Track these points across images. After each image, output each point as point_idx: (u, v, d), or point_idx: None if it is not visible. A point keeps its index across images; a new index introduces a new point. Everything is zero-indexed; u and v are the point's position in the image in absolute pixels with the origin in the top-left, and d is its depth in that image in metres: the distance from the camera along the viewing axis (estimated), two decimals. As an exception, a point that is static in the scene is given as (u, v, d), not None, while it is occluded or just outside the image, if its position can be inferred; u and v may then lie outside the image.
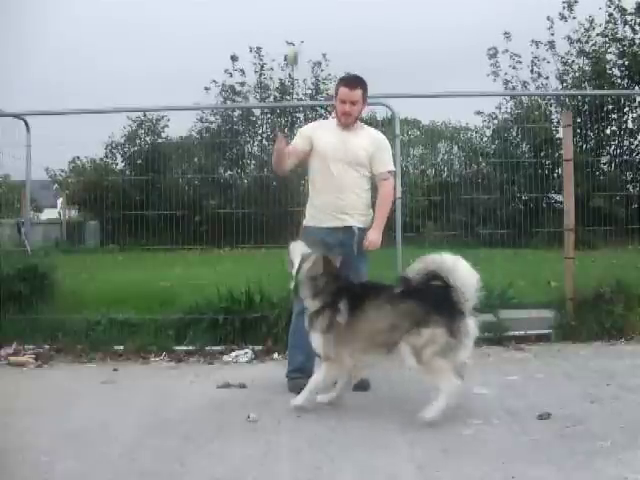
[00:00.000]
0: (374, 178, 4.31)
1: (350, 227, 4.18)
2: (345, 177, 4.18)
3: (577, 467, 2.95)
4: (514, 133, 10.94)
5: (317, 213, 4.25)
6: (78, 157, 13.09)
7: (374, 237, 4.14)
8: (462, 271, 3.60)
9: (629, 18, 14.40)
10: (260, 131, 14.04)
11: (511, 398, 4.02)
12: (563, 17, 14.89)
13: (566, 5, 14.83)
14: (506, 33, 15.31)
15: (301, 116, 14.62)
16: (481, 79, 15.67)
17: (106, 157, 14.08)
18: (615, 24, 14.49)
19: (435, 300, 3.64)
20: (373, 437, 3.41)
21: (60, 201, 12.95)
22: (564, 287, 5.80)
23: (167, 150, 10.23)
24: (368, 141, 4.27)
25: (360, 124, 4.41)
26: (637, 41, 14.33)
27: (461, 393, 3.67)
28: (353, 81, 4.24)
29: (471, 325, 3.63)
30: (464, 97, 7.75)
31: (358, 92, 4.20)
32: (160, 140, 13.62)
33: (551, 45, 14.86)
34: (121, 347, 5.43)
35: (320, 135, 4.27)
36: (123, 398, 4.25)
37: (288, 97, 16.89)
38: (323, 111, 13.71)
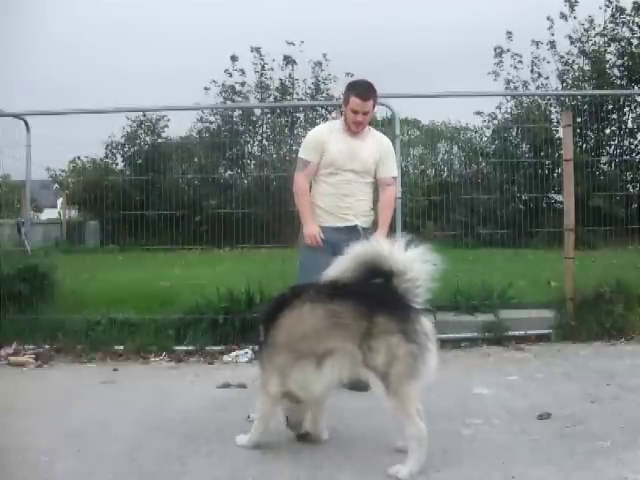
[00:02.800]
0: (377, 182, 4.39)
1: (354, 226, 4.25)
2: (351, 185, 4.27)
3: (577, 467, 2.95)
4: (514, 133, 10.94)
5: (320, 213, 4.31)
6: (78, 157, 13.07)
7: (381, 239, 4.18)
8: (404, 256, 2.97)
9: (627, 18, 14.40)
10: (260, 131, 14.02)
11: (511, 398, 4.03)
12: (564, 16, 14.90)
13: (567, 4, 14.83)
14: (508, 33, 15.34)
15: (301, 116, 14.61)
16: (481, 79, 15.69)
17: (106, 157, 14.07)
18: (616, 24, 14.47)
19: (374, 297, 2.96)
20: (373, 437, 3.41)
21: (60, 201, 12.96)
22: (564, 287, 5.80)
23: (167, 150, 10.24)
24: (376, 147, 4.32)
25: (367, 128, 4.41)
26: (635, 41, 14.33)
27: (461, 394, 3.67)
28: (366, 91, 4.21)
29: (428, 325, 2.97)
30: (464, 97, 7.76)
31: (370, 102, 4.20)
32: (160, 140, 13.62)
33: (552, 45, 14.87)
34: (121, 347, 5.43)
35: (331, 142, 4.27)
36: (123, 398, 4.25)
37: (288, 97, 16.90)
38: (323, 111, 13.72)
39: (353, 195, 4.27)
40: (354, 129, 4.25)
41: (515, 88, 15.01)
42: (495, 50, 15.45)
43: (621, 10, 14.39)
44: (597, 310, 5.62)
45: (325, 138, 4.29)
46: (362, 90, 4.22)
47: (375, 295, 3.01)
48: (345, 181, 4.24)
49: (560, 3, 14.95)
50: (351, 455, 3.17)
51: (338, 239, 4.16)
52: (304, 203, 4.30)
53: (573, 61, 14.81)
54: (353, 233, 4.22)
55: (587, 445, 3.19)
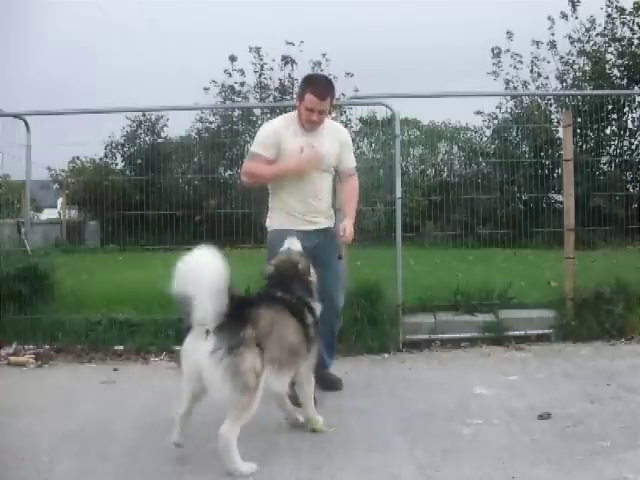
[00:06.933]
0: (338, 174, 4.19)
1: (326, 229, 4.10)
2: (317, 183, 4.04)
3: (577, 467, 2.95)
4: (514, 133, 10.94)
5: (286, 217, 4.06)
6: (78, 157, 13.07)
7: (350, 228, 3.97)
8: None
9: (628, 18, 14.40)
10: (260, 131, 14.00)
11: (511, 398, 4.03)
12: (564, 16, 14.89)
13: (570, 3, 14.82)
14: (508, 32, 15.34)
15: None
16: (481, 79, 15.66)
17: (106, 157, 14.06)
18: (614, 24, 14.47)
19: None
20: (373, 437, 3.41)
21: (60, 201, 12.95)
22: (564, 287, 5.80)
23: (167, 150, 10.23)
24: (334, 140, 4.07)
25: None
26: (636, 41, 14.34)
27: (461, 394, 3.66)
28: (323, 91, 3.92)
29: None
30: (464, 97, 7.75)
31: (327, 102, 3.94)
32: (160, 140, 13.61)
33: (552, 45, 14.87)
34: (121, 347, 5.43)
35: (286, 140, 3.98)
36: (123, 398, 4.25)
37: (288, 97, 16.89)
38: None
39: (318, 195, 4.04)
40: (308, 128, 3.97)
41: (515, 88, 15.01)
42: (493, 51, 15.44)
43: (622, 10, 14.38)
44: (597, 310, 5.62)
45: (281, 134, 3.99)
46: (319, 87, 3.93)
47: None
48: (310, 182, 4.00)
49: (560, 3, 14.95)
50: (351, 455, 3.16)
51: (309, 243, 3.96)
52: (264, 169, 3.96)
53: (573, 61, 14.81)
54: (325, 236, 4.07)
55: (587, 445, 3.19)
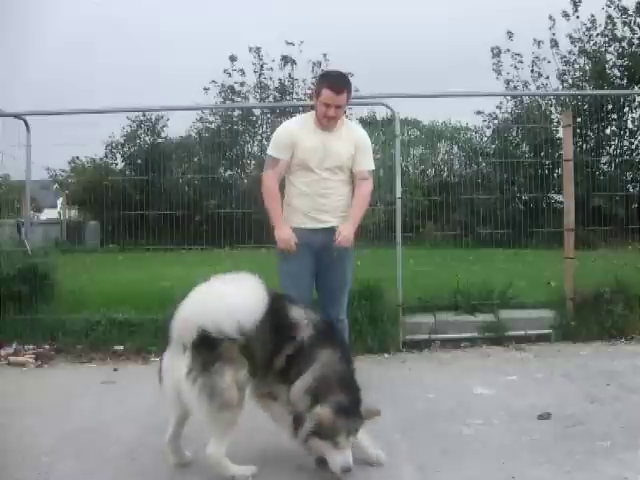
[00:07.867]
0: (353, 176, 4.10)
1: (332, 228, 3.99)
2: (327, 182, 3.99)
3: (577, 467, 2.95)
4: (514, 133, 10.95)
5: (297, 214, 4.04)
6: (78, 157, 13.11)
7: (347, 232, 3.92)
8: None
9: (629, 18, 14.40)
10: (260, 131, 14.01)
11: (511, 398, 4.02)
12: (566, 15, 14.90)
13: (572, 3, 14.83)
14: (508, 32, 15.35)
15: (300, 116, 14.55)
16: (481, 78, 15.71)
17: (106, 157, 14.09)
18: (614, 25, 14.48)
19: None
20: (373, 437, 3.40)
21: (60, 201, 12.98)
22: (564, 287, 5.80)
23: (167, 150, 10.25)
24: (350, 141, 4.03)
25: (341, 119, 4.09)
26: (636, 41, 14.34)
27: (461, 394, 3.65)
28: (339, 84, 3.93)
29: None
30: (464, 97, 7.76)
31: (343, 96, 3.92)
32: (160, 140, 13.63)
33: (554, 43, 14.87)
34: (121, 347, 5.43)
35: (300, 138, 3.99)
36: (123, 398, 4.25)
37: (288, 97, 16.90)
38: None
39: (329, 194, 4.00)
40: (325, 124, 3.96)
41: (515, 88, 15.02)
42: (492, 50, 15.48)
43: (624, 10, 14.39)
44: (597, 310, 5.62)
45: (295, 134, 4.01)
46: (335, 82, 3.94)
47: None
48: (320, 180, 3.97)
49: (560, 2, 14.98)
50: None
51: (316, 242, 3.98)
52: (274, 204, 4.02)
53: (574, 61, 14.82)
54: (331, 235, 3.97)
55: (587, 445, 3.19)
